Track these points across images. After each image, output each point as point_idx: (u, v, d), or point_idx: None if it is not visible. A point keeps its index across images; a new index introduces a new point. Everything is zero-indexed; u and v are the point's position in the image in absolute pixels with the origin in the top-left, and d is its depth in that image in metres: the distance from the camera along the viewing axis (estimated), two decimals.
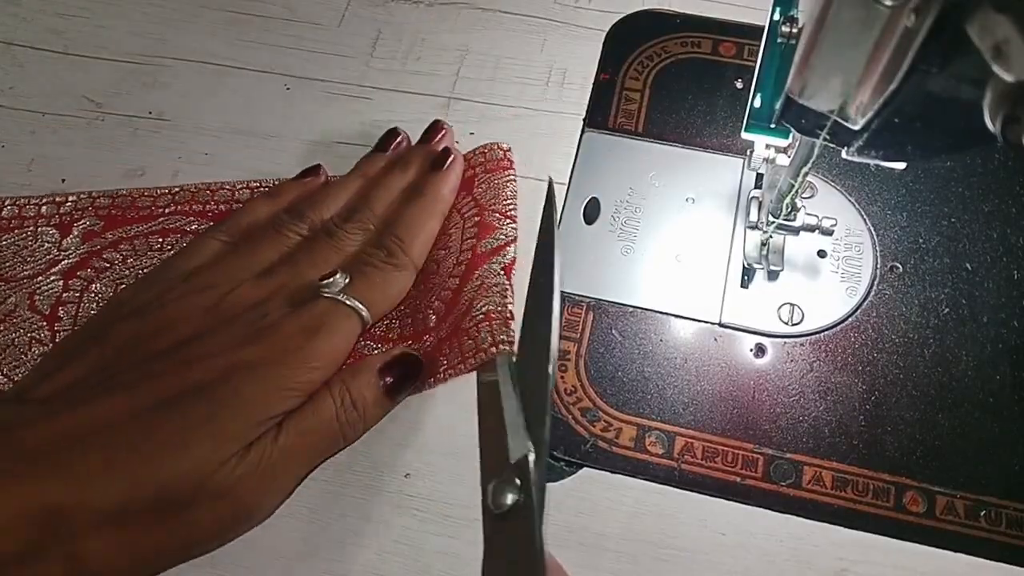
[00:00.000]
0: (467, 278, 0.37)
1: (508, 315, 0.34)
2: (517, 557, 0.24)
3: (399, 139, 0.41)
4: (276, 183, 0.41)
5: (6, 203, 0.41)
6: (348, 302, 0.34)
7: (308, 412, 0.32)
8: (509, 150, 0.41)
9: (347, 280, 0.34)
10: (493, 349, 0.33)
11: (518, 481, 0.26)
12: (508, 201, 0.39)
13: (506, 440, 0.27)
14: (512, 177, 0.40)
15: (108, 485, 0.28)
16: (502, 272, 0.36)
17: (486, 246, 0.37)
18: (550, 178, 0.30)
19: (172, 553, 0.30)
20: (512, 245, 0.37)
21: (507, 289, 0.35)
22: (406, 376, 0.34)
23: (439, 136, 0.41)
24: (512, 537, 0.25)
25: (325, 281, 0.34)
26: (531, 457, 0.26)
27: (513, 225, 0.38)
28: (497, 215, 0.38)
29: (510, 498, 0.25)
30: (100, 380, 0.31)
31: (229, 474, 0.29)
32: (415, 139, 0.42)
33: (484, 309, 0.35)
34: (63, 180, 0.42)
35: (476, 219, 0.39)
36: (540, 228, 0.29)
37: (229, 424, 0.30)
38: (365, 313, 0.34)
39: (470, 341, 0.34)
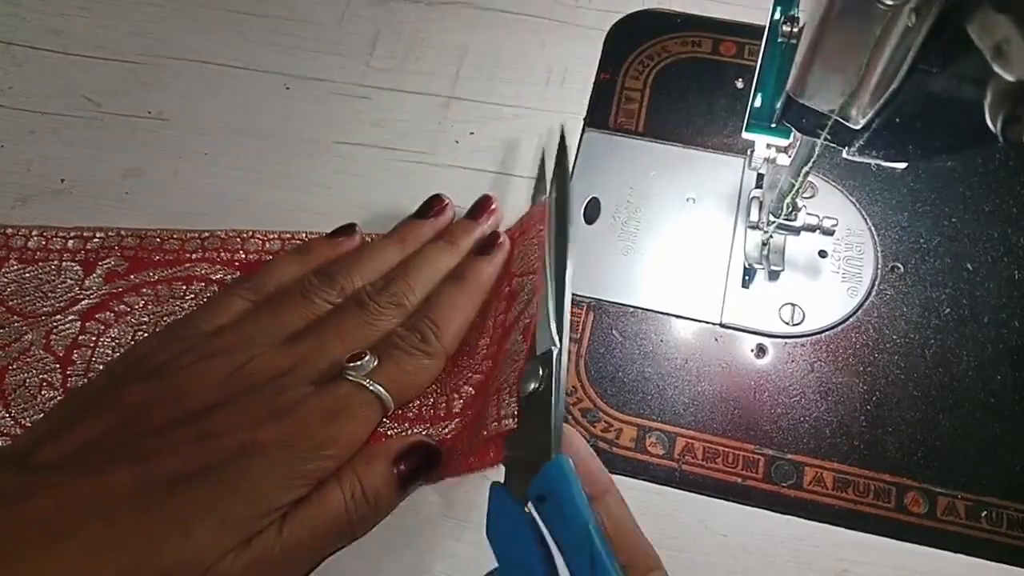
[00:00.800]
0: (498, 357, 0.34)
1: (515, 384, 0.31)
2: (538, 435, 0.27)
3: (442, 205, 0.39)
4: (308, 236, 0.39)
5: (33, 234, 0.40)
6: (372, 388, 0.32)
7: (315, 504, 0.30)
8: (546, 198, 0.37)
9: (375, 363, 0.32)
10: (495, 424, 0.30)
11: (541, 371, 0.29)
12: (533, 258, 0.36)
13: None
14: (540, 230, 0.36)
15: (107, 567, 0.27)
16: (521, 338, 0.32)
17: (512, 313, 0.35)
18: (562, 126, 0.33)
19: None
20: (537, 296, 0.33)
21: (522, 352, 0.31)
22: (421, 466, 0.32)
23: (487, 214, 0.39)
24: (531, 421, 0.28)
25: (352, 364, 0.32)
26: (555, 351, 0.29)
27: (533, 276, 0.35)
28: (524, 278, 0.36)
29: (532, 386, 0.29)
30: (107, 448, 0.30)
31: (228, 568, 0.27)
32: (419, 135, 0.42)
33: (498, 383, 0.32)
34: (62, 180, 0.42)
35: (507, 290, 0.36)
36: (555, 166, 0.33)
37: (233, 513, 0.28)
38: (388, 400, 0.32)
39: (480, 420, 0.32)
